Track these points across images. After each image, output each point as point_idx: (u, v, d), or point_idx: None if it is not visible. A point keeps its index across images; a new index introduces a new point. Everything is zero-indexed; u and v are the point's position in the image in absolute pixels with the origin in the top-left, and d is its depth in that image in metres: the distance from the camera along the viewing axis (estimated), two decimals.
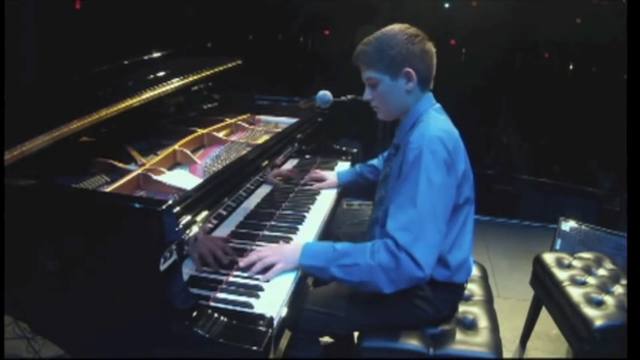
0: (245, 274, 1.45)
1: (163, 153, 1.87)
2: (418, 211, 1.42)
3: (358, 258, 1.43)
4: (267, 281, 1.43)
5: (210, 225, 1.49)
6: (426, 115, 1.60)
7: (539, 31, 3.94)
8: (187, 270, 1.41)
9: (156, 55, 2.35)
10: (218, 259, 1.48)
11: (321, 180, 2.20)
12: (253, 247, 1.61)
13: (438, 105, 1.66)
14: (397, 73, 1.57)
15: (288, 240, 1.64)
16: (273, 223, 1.80)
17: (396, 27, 1.61)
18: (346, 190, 2.23)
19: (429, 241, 1.42)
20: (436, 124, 1.55)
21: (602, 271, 2.29)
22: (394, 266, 1.39)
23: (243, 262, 1.48)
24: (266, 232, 1.70)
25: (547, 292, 2.29)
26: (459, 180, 1.54)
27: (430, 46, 1.61)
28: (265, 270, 1.46)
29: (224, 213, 1.58)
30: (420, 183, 1.43)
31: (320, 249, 1.50)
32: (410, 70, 1.57)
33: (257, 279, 1.43)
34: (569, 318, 2.06)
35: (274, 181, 2.04)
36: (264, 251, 1.51)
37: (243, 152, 1.89)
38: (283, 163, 2.15)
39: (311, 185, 2.18)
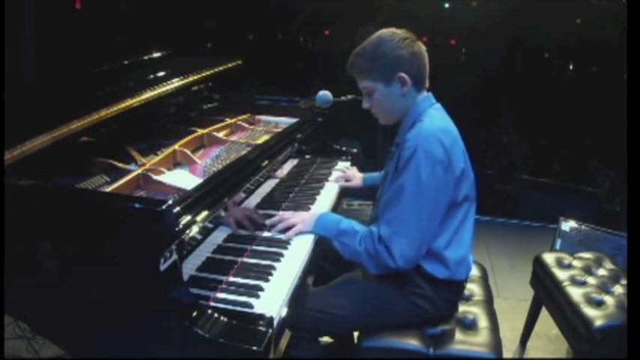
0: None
1: (163, 153, 1.87)
2: (402, 207, 1.51)
3: (352, 240, 1.59)
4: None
5: (210, 225, 1.48)
6: (424, 114, 1.62)
7: (539, 31, 3.93)
8: (187, 270, 1.41)
9: (156, 55, 2.34)
10: (252, 220, 1.69)
11: (348, 180, 2.22)
12: (253, 247, 1.61)
13: (437, 104, 1.68)
14: (390, 79, 1.61)
15: (287, 242, 1.64)
16: None
17: (383, 33, 1.63)
18: (353, 191, 2.24)
19: (408, 237, 1.51)
20: (433, 123, 1.58)
21: (602, 271, 2.29)
22: (374, 255, 1.53)
23: (269, 221, 1.69)
24: (265, 234, 1.70)
25: (547, 292, 2.29)
26: (456, 177, 1.57)
27: (419, 47, 1.62)
28: (286, 231, 1.65)
29: (224, 214, 1.58)
30: (409, 180, 1.51)
31: (329, 222, 1.67)
32: (402, 74, 1.60)
33: (257, 279, 1.43)
34: (569, 318, 2.06)
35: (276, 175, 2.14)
36: (286, 214, 1.72)
37: (243, 152, 1.89)
38: (284, 162, 2.15)
39: (314, 184, 2.19)
